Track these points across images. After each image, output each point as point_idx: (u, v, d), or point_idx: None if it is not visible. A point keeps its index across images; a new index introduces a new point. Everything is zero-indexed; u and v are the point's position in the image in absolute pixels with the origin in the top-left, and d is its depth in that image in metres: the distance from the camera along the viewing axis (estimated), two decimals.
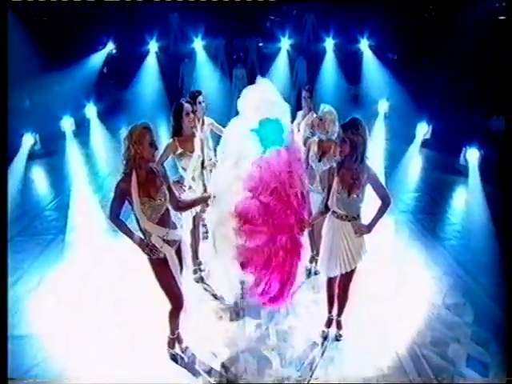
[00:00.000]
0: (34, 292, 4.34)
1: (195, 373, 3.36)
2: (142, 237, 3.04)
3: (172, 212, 3.22)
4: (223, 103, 10.06)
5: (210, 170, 4.36)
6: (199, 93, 4.59)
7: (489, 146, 6.89)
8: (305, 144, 4.35)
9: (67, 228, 5.51)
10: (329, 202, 3.28)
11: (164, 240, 3.04)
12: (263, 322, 3.91)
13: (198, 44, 11.77)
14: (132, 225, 3.10)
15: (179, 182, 4.05)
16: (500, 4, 8.81)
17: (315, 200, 4.21)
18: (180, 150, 3.93)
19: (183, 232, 3.57)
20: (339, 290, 3.57)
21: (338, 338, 3.70)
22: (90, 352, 3.57)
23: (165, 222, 3.05)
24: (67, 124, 8.78)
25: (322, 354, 3.55)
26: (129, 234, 2.99)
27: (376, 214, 3.24)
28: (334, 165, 3.28)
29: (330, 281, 3.58)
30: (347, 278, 3.44)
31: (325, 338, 3.72)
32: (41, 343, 3.68)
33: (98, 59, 10.75)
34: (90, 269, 4.68)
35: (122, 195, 2.91)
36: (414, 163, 7.76)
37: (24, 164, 7.33)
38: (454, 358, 3.51)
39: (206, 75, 11.27)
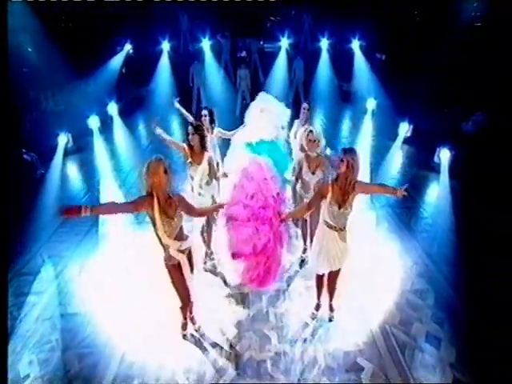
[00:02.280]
0: (77, 277, 4.80)
1: (205, 349, 3.80)
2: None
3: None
4: (228, 101, 10.23)
5: (219, 180, 4.70)
6: (203, 108, 4.94)
7: (459, 147, 7.11)
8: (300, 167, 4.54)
9: (99, 221, 5.88)
10: (321, 213, 3.60)
11: (179, 250, 3.39)
12: (264, 305, 4.34)
13: (206, 44, 11.75)
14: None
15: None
16: (475, 13, 8.81)
17: None
18: (190, 160, 4.29)
19: (193, 236, 3.88)
20: (328, 284, 3.97)
21: (330, 319, 4.11)
22: (123, 328, 4.05)
23: (180, 236, 3.36)
24: (94, 122, 8.98)
25: (313, 333, 4.02)
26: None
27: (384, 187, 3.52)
28: (330, 180, 3.51)
29: (318, 275, 3.99)
30: (334, 274, 3.84)
31: (313, 318, 4.17)
32: (85, 321, 4.15)
33: (117, 61, 10.80)
34: (119, 257, 5.08)
35: (141, 205, 3.10)
36: (396, 160, 8.01)
37: (61, 161, 7.63)
38: (416, 335, 3.96)
39: (213, 75, 11.34)
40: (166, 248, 3.35)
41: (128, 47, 11.44)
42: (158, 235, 3.30)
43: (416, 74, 9.14)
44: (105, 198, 6.51)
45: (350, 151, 3.33)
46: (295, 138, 5.44)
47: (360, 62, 11.40)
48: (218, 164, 5.31)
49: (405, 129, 8.55)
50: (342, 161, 3.32)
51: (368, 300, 4.39)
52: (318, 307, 4.20)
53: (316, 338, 3.96)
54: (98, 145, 8.64)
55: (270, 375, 3.59)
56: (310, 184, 4.41)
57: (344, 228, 3.57)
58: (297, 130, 5.47)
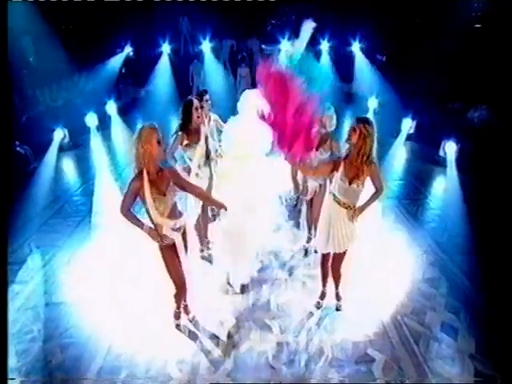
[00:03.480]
0: (66, 266, 4.45)
1: (200, 340, 3.44)
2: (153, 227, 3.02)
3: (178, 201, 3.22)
4: (229, 99, 10.01)
5: (216, 161, 4.40)
6: (206, 92, 4.59)
7: (464, 140, 6.86)
8: None
9: (92, 211, 5.58)
10: (331, 187, 3.29)
11: (173, 229, 3.06)
12: (265, 294, 3.98)
13: (206, 46, 11.65)
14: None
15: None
16: (476, 14, 8.65)
17: (311, 187, 4.29)
18: (186, 142, 3.95)
19: (188, 217, 3.55)
20: (332, 269, 3.62)
21: (338, 308, 3.75)
22: (111, 319, 3.70)
23: (174, 214, 3.05)
24: (91, 120, 8.77)
25: (318, 323, 3.66)
26: (139, 224, 2.96)
27: (368, 200, 3.24)
28: (343, 154, 3.20)
29: (324, 260, 3.64)
30: (339, 258, 3.49)
31: (318, 308, 3.81)
32: (71, 310, 3.80)
33: (117, 61, 10.64)
34: (110, 247, 4.76)
35: (134, 192, 2.87)
36: (400, 155, 7.74)
37: (56, 155, 7.37)
38: (430, 324, 3.60)
39: (213, 74, 11.17)
40: (158, 228, 3.01)
41: (128, 49, 11.32)
42: (149, 214, 2.98)
43: (417, 71, 8.97)
44: (99, 191, 6.22)
45: (363, 119, 3.02)
46: None
47: (360, 63, 11.26)
48: (216, 151, 5.02)
49: (408, 125, 8.31)
50: (354, 130, 3.00)
51: (377, 289, 4.04)
52: (323, 296, 3.84)
53: (321, 327, 3.60)
54: (95, 142, 8.39)
55: (271, 367, 3.22)
56: (313, 162, 4.10)
57: (353, 207, 3.24)
58: None
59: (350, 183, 3.12)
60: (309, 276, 4.25)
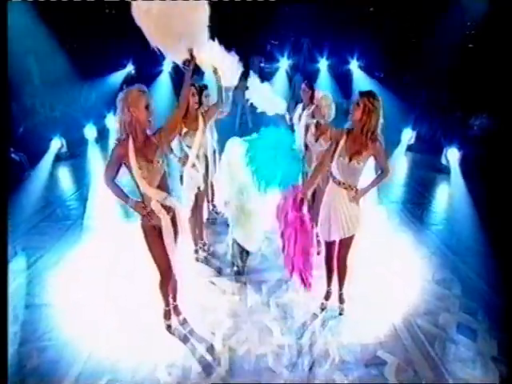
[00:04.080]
0: (53, 268, 4.14)
1: (192, 343, 3.09)
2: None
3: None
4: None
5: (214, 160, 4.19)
6: (206, 87, 4.41)
7: (466, 146, 6.71)
8: (306, 129, 4.13)
9: (85, 215, 5.32)
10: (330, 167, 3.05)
11: (162, 205, 2.74)
12: (265, 296, 3.66)
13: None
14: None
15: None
16: (470, 31, 8.72)
17: None
18: (185, 130, 3.74)
19: (181, 204, 3.29)
20: (338, 262, 3.31)
21: (341, 313, 3.41)
22: (96, 321, 3.37)
23: (163, 186, 2.75)
24: (90, 132, 8.65)
25: (323, 325, 3.31)
26: (124, 197, 2.65)
27: (372, 182, 3.00)
28: (346, 127, 2.95)
29: (328, 253, 3.34)
30: (345, 246, 3.18)
31: (323, 309, 3.47)
32: (55, 312, 3.48)
33: (118, 77, 10.68)
34: (101, 250, 4.47)
35: (118, 159, 2.58)
36: (401, 164, 7.55)
37: (50, 163, 7.18)
38: (445, 325, 3.26)
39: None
40: (145, 201, 2.72)
41: (130, 67, 11.40)
42: (136, 184, 2.68)
43: (415, 84, 8.97)
44: (93, 197, 5.97)
45: (367, 93, 2.79)
46: (299, 121, 4.98)
47: (359, 80, 11.31)
48: (214, 151, 4.81)
49: (408, 135, 8.18)
50: (357, 105, 2.78)
51: (384, 290, 3.73)
52: (328, 296, 3.52)
53: (326, 329, 3.25)
54: (92, 153, 8.21)
55: (271, 370, 2.86)
56: (313, 154, 3.91)
57: (354, 187, 3.00)
58: (301, 113, 5.03)
59: (350, 159, 2.87)
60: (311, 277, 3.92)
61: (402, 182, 6.53)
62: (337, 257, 3.29)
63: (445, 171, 6.86)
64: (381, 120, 2.81)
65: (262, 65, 12.50)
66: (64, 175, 7.19)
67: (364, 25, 11.46)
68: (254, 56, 11.91)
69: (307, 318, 3.39)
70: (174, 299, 3.28)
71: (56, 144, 7.70)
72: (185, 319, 3.31)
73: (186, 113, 3.73)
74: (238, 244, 4.02)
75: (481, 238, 4.56)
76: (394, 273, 3.98)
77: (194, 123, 3.79)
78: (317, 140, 3.86)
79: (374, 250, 4.30)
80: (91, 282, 3.88)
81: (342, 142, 2.89)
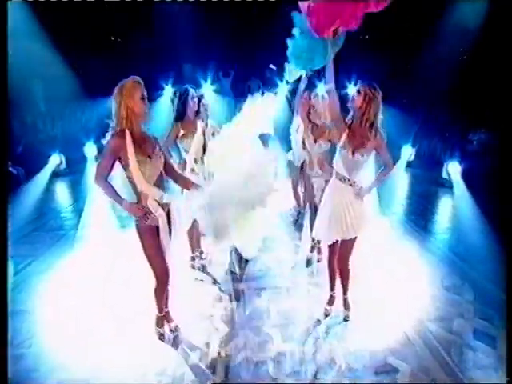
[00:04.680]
0: (41, 275, 3.89)
1: (184, 352, 2.80)
2: (136, 201, 2.56)
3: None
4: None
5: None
6: (203, 96, 4.34)
7: (467, 159, 6.63)
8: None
9: (79, 226, 5.12)
10: (333, 163, 2.90)
11: (159, 204, 2.57)
12: (264, 303, 3.40)
13: (207, 87, 11.90)
14: None
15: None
16: (464, 50, 8.86)
17: (317, 186, 3.86)
18: (182, 132, 3.61)
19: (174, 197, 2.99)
20: (339, 264, 3.08)
21: (346, 319, 3.14)
22: (81, 330, 3.08)
23: (161, 184, 2.61)
24: (90, 150, 8.60)
25: (327, 331, 3.04)
26: (117, 198, 2.44)
27: (377, 177, 2.87)
28: (348, 118, 2.83)
29: (331, 255, 3.11)
30: (346, 248, 2.97)
31: (327, 315, 3.20)
32: (38, 320, 3.21)
33: None
34: (93, 258, 4.25)
35: (114, 153, 2.40)
36: (402, 179, 7.42)
37: (47, 177, 7.06)
38: (460, 331, 2.98)
39: (215, 111, 11.29)
40: (142, 199, 2.54)
41: None
42: (132, 183, 2.51)
43: (412, 106, 9.01)
44: (89, 210, 5.77)
45: (368, 83, 2.71)
46: (296, 132, 4.92)
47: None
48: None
49: (408, 152, 8.12)
50: (358, 92, 2.69)
51: (392, 296, 3.48)
52: (331, 301, 3.25)
53: (331, 336, 2.97)
54: (91, 170, 8.08)
55: (271, 378, 2.56)
56: (313, 157, 3.77)
57: (359, 183, 2.84)
58: (298, 124, 4.98)
59: (353, 153, 2.75)
60: (313, 284, 3.70)
61: (403, 196, 6.38)
62: (338, 259, 3.06)
63: (446, 185, 6.73)
64: (380, 114, 2.72)
65: (261, 88, 12.74)
66: (60, 189, 7.06)
67: (360, 50, 11.74)
68: (253, 80, 12.16)
69: (310, 324, 3.12)
70: (166, 305, 3.00)
71: (55, 160, 7.64)
72: (177, 326, 3.03)
73: (185, 117, 3.64)
74: (237, 251, 3.82)
75: (490, 246, 4.32)
76: (401, 279, 3.74)
77: (193, 126, 3.67)
78: (315, 141, 3.73)
79: (379, 257, 4.09)
80: (80, 291, 3.61)
81: (343, 136, 2.78)
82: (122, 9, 7.67)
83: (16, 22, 5.76)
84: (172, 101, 3.77)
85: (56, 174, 7.55)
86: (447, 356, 2.73)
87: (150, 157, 2.50)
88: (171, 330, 3.00)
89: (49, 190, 6.71)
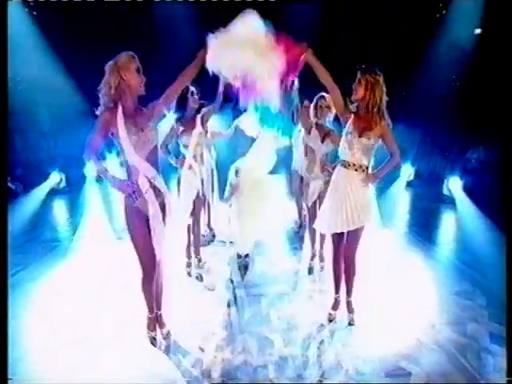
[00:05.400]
0: (28, 284, 3.67)
1: (176, 357, 2.57)
2: (126, 177, 2.41)
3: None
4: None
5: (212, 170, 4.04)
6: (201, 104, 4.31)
7: (467, 176, 6.56)
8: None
9: (74, 238, 4.94)
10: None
11: (151, 184, 2.40)
12: (264, 308, 3.18)
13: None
14: None
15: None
16: (458, 72, 9.05)
17: (314, 187, 3.74)
18: (182, 128, 3.56)
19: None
20: (345, 260, 2.87)
21: (350, 323, 2.92)
22: (64, 337, 2.84)
23: (153, 161, 2.42)
24: (90, 169, 8.54)
25: (331, 335, 2.80)
26: (107, 174, 2.27)
27: (384, 165, 2.72)
28: (352, 107, 2.70)
29: (336, 251, 2.91)
30: (353, 240, 2.78)
31: (331, 320, 2.97)
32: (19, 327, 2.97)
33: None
34: (86, 268, 4.05)
35: (105, 126, 2.28)
36: (402, 196, 7.30)
37: (45, 193, 6.94)
38: (475, 335, 2.76)
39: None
40: (132, 174, 2.38)
41: None
42: (123, 155, 2.37)
43: (411, 123, 9.08)
44: (85, 225, 5.60)
45: (368, 68, 2.60)
46: (299, 140, 4.83)
47: None
48: (212, 171, 4.59)
49: (408, 171, 8.06)
50: (359, 82, 2.60)
51: (400, 301, 3.27)
52: (335, 305, 3.03)
53: (336, 340, 2.74)
54: (91, 190, 7.97)
55: (271, 382, 2.31)
56: (316, 157, 3.65)
57: (366, 168, 2.69)
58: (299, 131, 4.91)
59: (360, 135, 2.62)
60: (316, 290, 3.49)
61: (405, 211, 6.24)
62: (343, 254, 2.87)
63: (448, 201, 6.61)
64: (384, 97, 2.63)
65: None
66: (57, 205, 6.90)
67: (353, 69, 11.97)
68: None
69: (313, 328, 2.88)
70: (159, 307, 2.77)
71: (55, 178, 7.56)
72: (169, 332, 2.77)
73: (184, 114, 3.61)
74: (236, 260, 3.66)
75: (499, 253, 4.13)
76: (408, 285, 3.54)
77: (191, 122, 3.62)
78: (323, 141, 3.61)
79: (383, 264, 3.89)
80: (69, 300, 3.38)
81: (349, 122, 2.67)
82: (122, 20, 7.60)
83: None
84: None
85: (55, 191, 7.42)
86: (464, 360, 2.49)
87: (142, 129, 2.36)
88: (164, 338, 2.74)
89: (46, 205, 6.55)
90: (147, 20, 7.62)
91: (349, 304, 2.97)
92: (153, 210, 2.43)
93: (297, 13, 7.19)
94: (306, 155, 3.88)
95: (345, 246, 2.84)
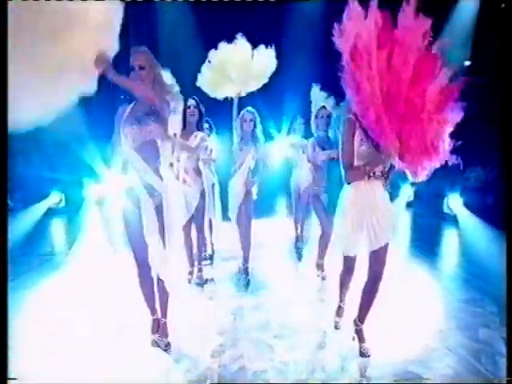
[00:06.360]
0: (18, 293, 3.50)
1: (174, 360, 2.41)
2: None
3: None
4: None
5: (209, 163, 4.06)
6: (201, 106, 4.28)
7: (467, 194, 6.51)
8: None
9: (69, 252, 4.79)
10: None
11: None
12: (264, 315, 3.00)
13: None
14: None
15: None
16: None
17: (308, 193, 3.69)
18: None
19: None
20: (364, 292, 2.42)
21: (362, 353, 2.41)
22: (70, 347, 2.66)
23: (148, 153, 2.30)
24: (90, 192, 8.49)
25: (336, 341, 2.62)
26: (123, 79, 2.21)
27: None
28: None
29: (349, 267, 2.54)
30: (379, 261, 2.33)
31: (336, 328, 2.77)
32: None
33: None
34: (79, 279, 3.90)
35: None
36: (402, 216, 7.20)
37: (43, 211, 6.86)
38: (488, 340, 2.58)
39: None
40: (122, 166, 2.38)
41: None
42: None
43: None
44: (83, 242, 5.46)
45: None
46: (302, 152, 4.78)
47: None
48: (213, 185, 4.52)
49: (407, 191, 8.00)
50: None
51: (407, 307, 3.10)
52: (340, 312, 2.81)
53: (341, 345, 2.55)
54: (90, 211, 7.85)
55: None
56: (324, 172, 3.57)
57: (387, 176, 2.32)
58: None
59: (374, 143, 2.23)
60: (320, 300, 3.32)
61: (406, 227, 6.12)
62: (368, 279, 2.40)
63: (448, 219, 6.51)
64: None
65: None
66: (55, 223, 6.80)
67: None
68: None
69: (316, 334, 2.70)
70: (164, 315, 2.56)
71: (54, 198, 7.50)
72: (169, 344, 2.54)
73: (184, 124, 3.58)
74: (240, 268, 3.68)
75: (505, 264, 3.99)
76: (413, 293, 3.39)
77: (189, 133, 3.57)
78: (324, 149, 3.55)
79: (387, 273, 3.72)
80: (56, 311, 3.20)
81: (357, 132, 2.28)
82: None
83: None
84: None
85: (53, 211, 7.34)
86: (478, 364, 2.31)
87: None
88: (164, 349, 2.50)
89: (42, 223, 6.43)
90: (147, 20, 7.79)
91: (360, 333, 2.48)
92: (148, 213, 2.32)
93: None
94: (308, 161, 3.84)
95: (369, 266, 2.41)
